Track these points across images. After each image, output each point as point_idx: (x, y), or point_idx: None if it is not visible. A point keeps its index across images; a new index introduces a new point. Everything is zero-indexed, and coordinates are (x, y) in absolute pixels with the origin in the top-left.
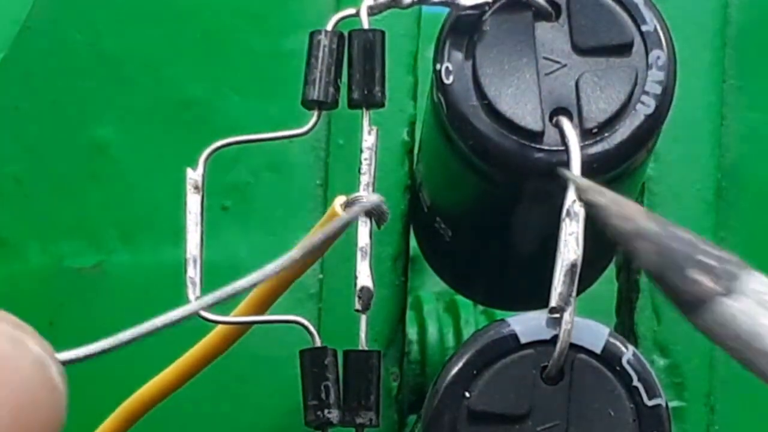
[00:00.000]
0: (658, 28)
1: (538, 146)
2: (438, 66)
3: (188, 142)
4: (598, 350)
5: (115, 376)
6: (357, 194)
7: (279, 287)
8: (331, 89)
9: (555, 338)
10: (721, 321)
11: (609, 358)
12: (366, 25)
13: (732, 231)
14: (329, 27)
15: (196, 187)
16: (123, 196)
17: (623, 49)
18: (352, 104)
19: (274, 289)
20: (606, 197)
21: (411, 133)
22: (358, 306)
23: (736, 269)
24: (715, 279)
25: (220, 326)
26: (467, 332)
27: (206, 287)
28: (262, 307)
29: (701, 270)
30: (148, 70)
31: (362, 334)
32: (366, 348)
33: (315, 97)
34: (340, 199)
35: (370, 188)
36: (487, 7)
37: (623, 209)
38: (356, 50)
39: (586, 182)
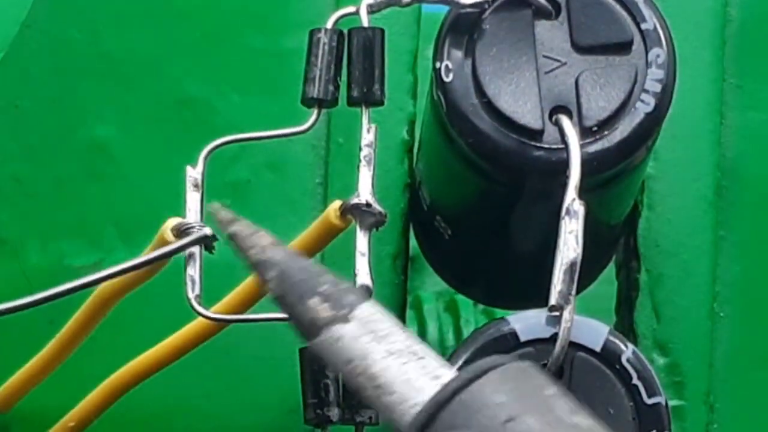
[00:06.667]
0: (658, 26)
1: (537, 144)
2: (438, 64)
3: (188, 140)
4: (597, 348)
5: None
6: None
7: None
8: (331, 87)
9: (555, 336)
10: (331, 344)
11: (609, 356)
12: (366, 23)
13: (732, 230)
14: (329, 25)
15: (196, 185)
16: (123, 194)
17: (623, 47)
18: (352, 102)
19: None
20: (239, 225)
21: (410, 132)
22: None
23: (352, 298)
24: (332, 307)
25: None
26: (467, 331)
27: (205, 285)
28: (248, 303)
29: (320, 299)
30: (147, 69)
31: None
32: None
33: (315, 95)
34: (335, 204)
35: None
36: (486, 5)
37: (253, 238)
38: (356, 48)
39: (223, 212)
